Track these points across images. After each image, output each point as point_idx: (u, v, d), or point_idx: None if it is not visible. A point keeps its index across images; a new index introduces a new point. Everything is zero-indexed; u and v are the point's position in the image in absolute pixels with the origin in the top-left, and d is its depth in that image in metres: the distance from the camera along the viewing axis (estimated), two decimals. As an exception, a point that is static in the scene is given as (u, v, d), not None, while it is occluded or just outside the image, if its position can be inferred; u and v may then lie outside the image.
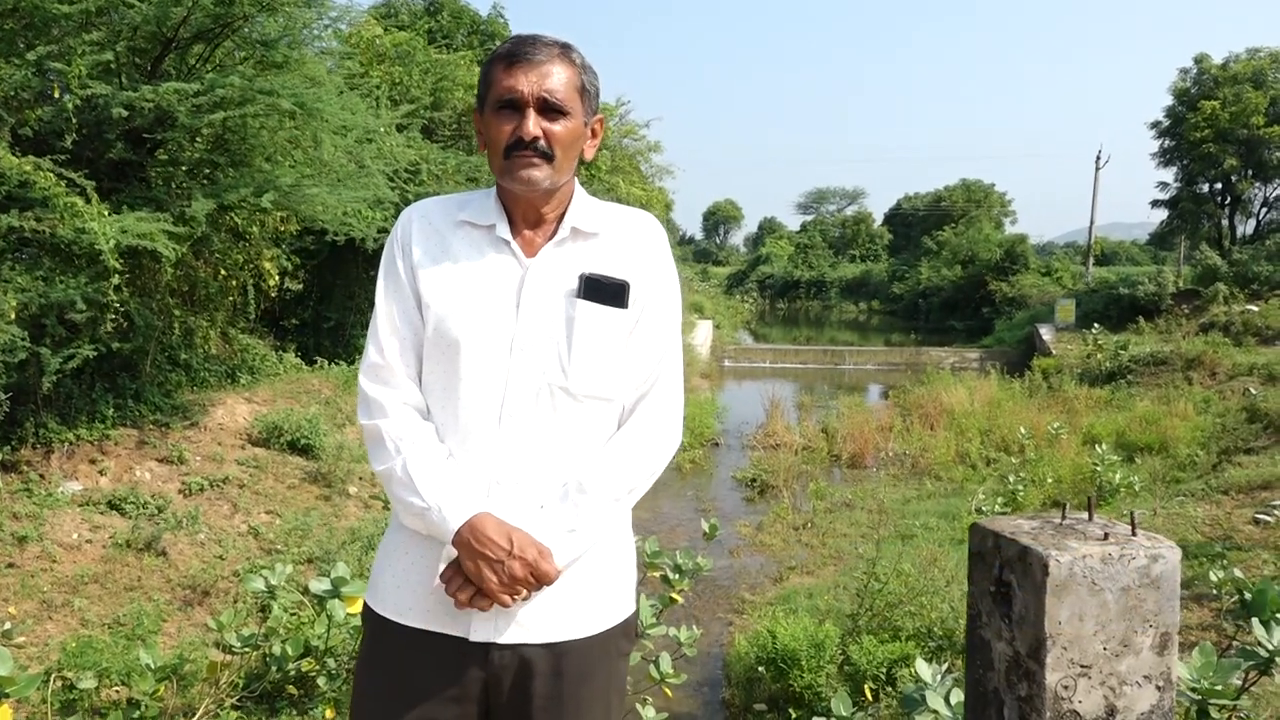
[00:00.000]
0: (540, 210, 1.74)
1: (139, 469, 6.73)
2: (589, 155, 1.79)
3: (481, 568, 1.58)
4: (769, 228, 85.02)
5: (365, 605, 1.78)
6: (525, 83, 1.65)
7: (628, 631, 1.80)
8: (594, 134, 1.80)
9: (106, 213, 5.77)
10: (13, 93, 5.72)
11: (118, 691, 4.07)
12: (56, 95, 5.84)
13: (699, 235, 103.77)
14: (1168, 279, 22.75)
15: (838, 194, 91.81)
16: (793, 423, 13.97)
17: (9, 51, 5.85)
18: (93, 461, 6.57)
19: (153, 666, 3.77)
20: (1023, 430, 11.62)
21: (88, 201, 5.64)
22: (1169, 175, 31.30)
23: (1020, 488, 8.53)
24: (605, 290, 1.71)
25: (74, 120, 5.80)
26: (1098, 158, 34.81)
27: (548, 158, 1.66)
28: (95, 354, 6.05)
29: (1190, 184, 30.54)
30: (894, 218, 67.00)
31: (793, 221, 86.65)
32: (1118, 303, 23.18)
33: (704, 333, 25.07)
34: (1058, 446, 11.07)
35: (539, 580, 1.60)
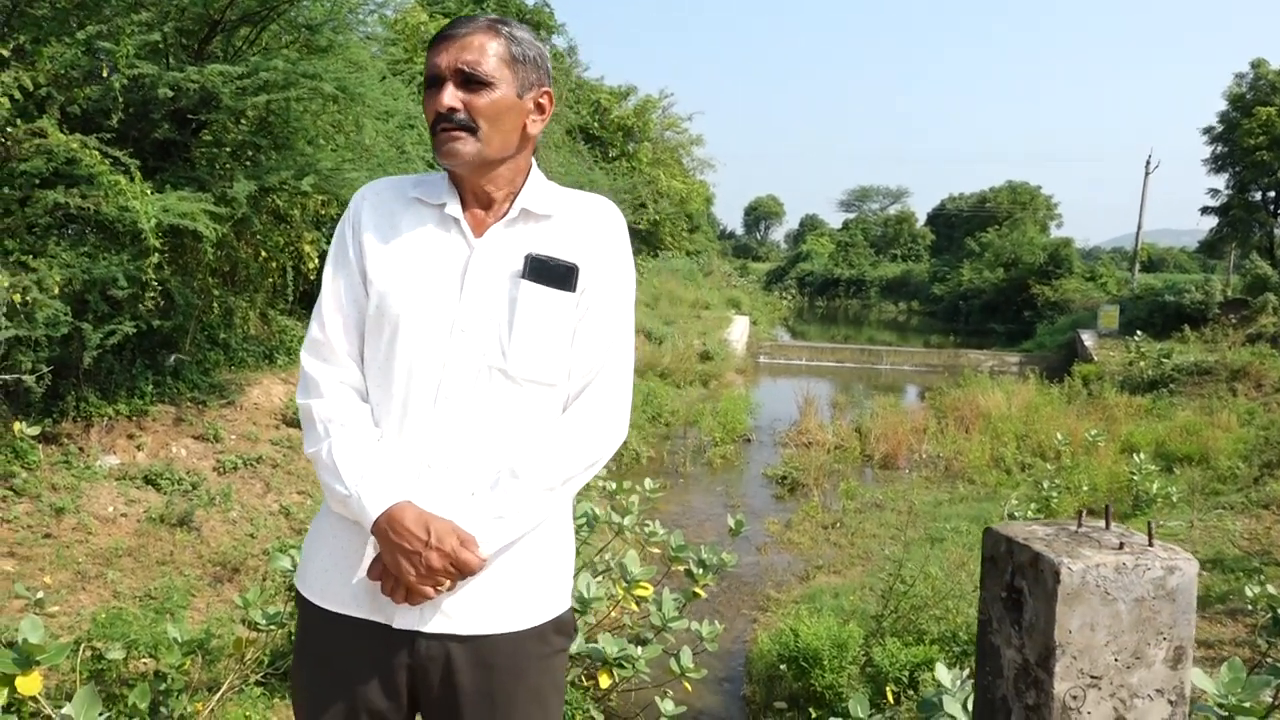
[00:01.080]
0: (488, 190, 1.71)
1: (175, 445, 6.84)
2: (533, 130, 1.74)
3: (399, 559, 1.55)
4: (810, 224, 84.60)
5: (296, 589, 1.76)
6: (446, 57, 1.63)
7: (562, 628, 1.74)
8: (540, 108, 1.74)
9: (150, 191, 5.86)
10: (63, 71, 5.81)
11: (145, 663, 4.14)
12: (105, 75, 5.93)
13: (739, 230, 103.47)
14: (1215, 287, 22.35)
15: (881, 192, 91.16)
16: (826, 421, 13.91)
17: (60, 31, 5.95)
18: (130, 436, 6.69)
19: (180, 640, 3.83)
20: (1059, 436, 11.49)
21: (131, 180, 5.73)
22: (1220, 182, 30.70)
23: (1055, 495, 8.43)
24: (551, 272, 1.66)
25: (121, 100, 5.88)
26: (1148, 162, 34.26)
27: (471, 130, 1.63)
28: (136, 331, 6.14)
29: (1242, 191, 29.93)
30: (937, 218, 66.43)
31: (834, 219, 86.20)
32: (1163, 310, 22.81)
33: (740, 328, 24.99)
34: (1095, 454, 10.93)
35: (460, 570, 1.56)
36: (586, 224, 1.74)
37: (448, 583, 1.58)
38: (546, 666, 1.71)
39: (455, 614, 1.62)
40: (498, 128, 1.66)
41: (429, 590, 1.57)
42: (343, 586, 1.66)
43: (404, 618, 1.62)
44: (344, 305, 1.72)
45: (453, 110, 1.62)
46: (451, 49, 1.63)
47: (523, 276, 1.66)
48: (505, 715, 1.66)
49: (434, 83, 1.65)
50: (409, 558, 1.55)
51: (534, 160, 1.78)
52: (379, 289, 1.68)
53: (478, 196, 1.72)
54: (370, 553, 1.63)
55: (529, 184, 1.74)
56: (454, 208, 1.70)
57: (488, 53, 1.64)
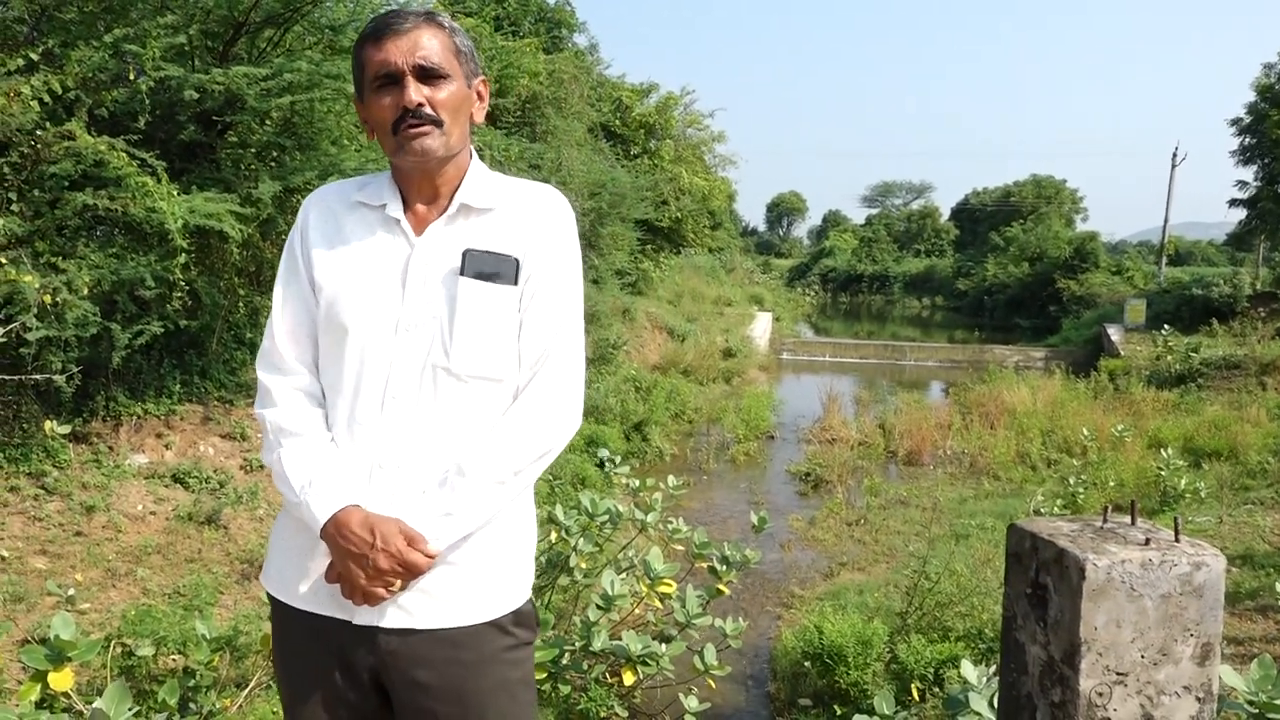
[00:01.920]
0: (435, 185, 1.70)
1: (203, 444, 6.90)
2: (479, 118, 1.76)
3: (347, 562, 1.57)
4: (833, 220, 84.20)
5: (262, 583, 1.79)
6: (398, 53, 1.61)
7: (522, 620, 1.74)
8: (480, 96, 1.76)
9: (176, 193, 5.91)
10: (90, 74, 5.87)
11: (174, 660, 4.18)
12: (132, 77, 5.99)
13: (762, 227, 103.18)
14: (1244, 281, 22.12)
15: (904, 187, 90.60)
16: (850, 418, 13.85)
17: (88, 34, 6.01)
18: (159, 435, 6.76)
19: (209, 637, 3.87)
20: (1086, 432, 11.39)
21: (158, 181, 5.78)
22: (1249, 174, 30.25)
23: (1081, 490, 8.37)
24: (490, 266, 1.66)
25: (147, 102, 5.95)
26: (1174, 155, 33.93)
27: (437, 124, 1.63)
28: (164, 331, 6.20)
29: (1271, 183, 29.53)
30: (961, 213, 65.95)
31: (857, 214, 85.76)
32: (1190, 304, 22.58)
33: (763, 325, 24.95)
34: (1122, 450, 10.83)
35: (408, 570, 1.57)
36: (528, 215, 1.73)
37: (398, 583, 1.59)
38: (512, 659, 1.72)
39: (413, 609, 1.63)
40: (457, 120, 1.67)
41: (380, 591, 1.58)
42: (303, 584, 1.68)
43: (363, 614, 1.63)
44: (295, 313, 1.73)
45: (420, 105, 1.62)
46: (402, 44, 1.62)
47: (460, 273, 1.65)
48: (475, 707, 1.67)
49: (390, 80, 1.63)
50: (357, 561, 1.56)
51: (472, 150, 1.77)
52: (327, 295, 1.68)
53: (422, 192, 1.71)
54: (327, 555, 1.64)
55: (469, 177, 1.73)
56: (395, 208, 1.71)
57: (438, 46, 1.65)
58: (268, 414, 1.70)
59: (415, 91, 1.61)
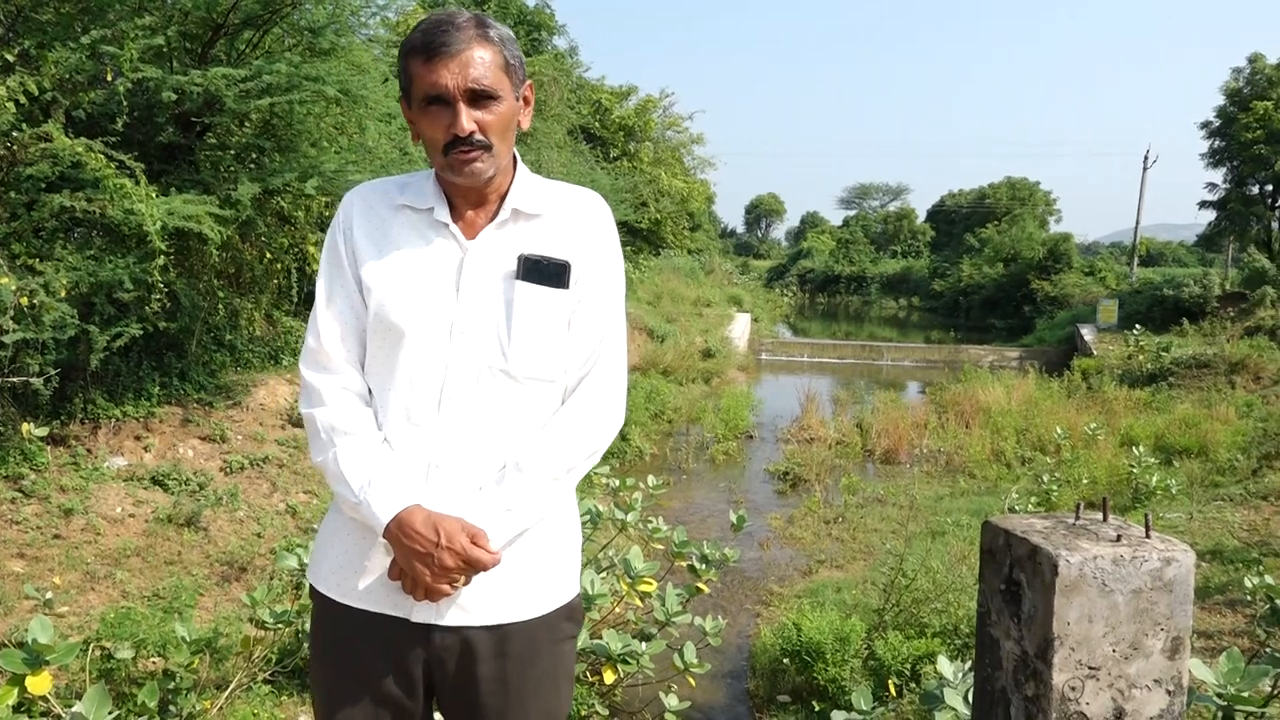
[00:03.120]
0: (483, 190, 1.71)
1: (182, 446, 6.85)
2: (525, 125, 1.76)
3: (413, 562, 1.57)
4: (811, 222, 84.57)
5: (310, 585, 1.78)
6: (449, 76, 1.59)
7: (572, 614, 1.78)
8: (526, 102, 1.75)
9: (155, 194, 5.86)
10: (67, 76, 5.81)
11: (154, 662, 4.14)
12: (109, 79, 5.94)
13: (740, 228, 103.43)
14: (1214, 281, 22.33)
15: (881, 189, 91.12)
16: (827, 417, 13.90)
17: (65, 35, 5.95)
18: (138, 438, 6.70)
19: (188, 639, 3.84)
20: (1059, 430, 11.47)
21: (137, 183, 5.73)
22: (1218, 176, 30.68)
23: (1055, 488, 8.43)
24: (545, 271, 1.67)
25: (125, 103, 5.89)
26: (1146, 157, 34.23)
27: (487, 148, 1.63)
28: (142, 333, 6.15)
29: (1240, 185, 29.90)
30: (937, 214, 66.43)
31: (835, 216, 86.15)
32: (1162, 304, 22.79)
33: (742, 325, 24.98)
34: (1095, 447, 10.92)
35: (472, 566, 1.58)
36: (576, 220, 1.75)
37: (462, 579, 1.60)
38: (558, 652, 1.75)
39: (471, 606, 1.65)
40: (506, 138, 1.68)
41: (445, 588, 1.59)
42: (358, 582, 1.68)
43: (421, 611, 1.64)
44: (341, 313, 1.72)
45: (472, 134, 1.61)
46: (453, 66, 1.59)
47: (517, 277, 1.67)
48: (519, 700, 1.69)
49: (438, 101, 1.61)
50: (422, 559, 1.57)
51: (516, 152, 1.77)
52: (378, 298, 1.68)
53: (470, 199, 1.72)
54: (386, 552, 1.65)
55: (516, 182, 1.74)
56: (442, 212, 1.71)
57: (490, 63, 1.63)
58: (317, 413, 1.69)
59: (467, 119, 1.60)
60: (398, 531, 1.58)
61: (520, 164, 1.77)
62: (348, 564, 1.70)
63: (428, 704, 1.74)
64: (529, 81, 1.76)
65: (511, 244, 1.70)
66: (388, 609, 1.66)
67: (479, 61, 1.61)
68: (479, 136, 1.62)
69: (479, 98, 1.61)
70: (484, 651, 1.66)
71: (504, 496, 1.62)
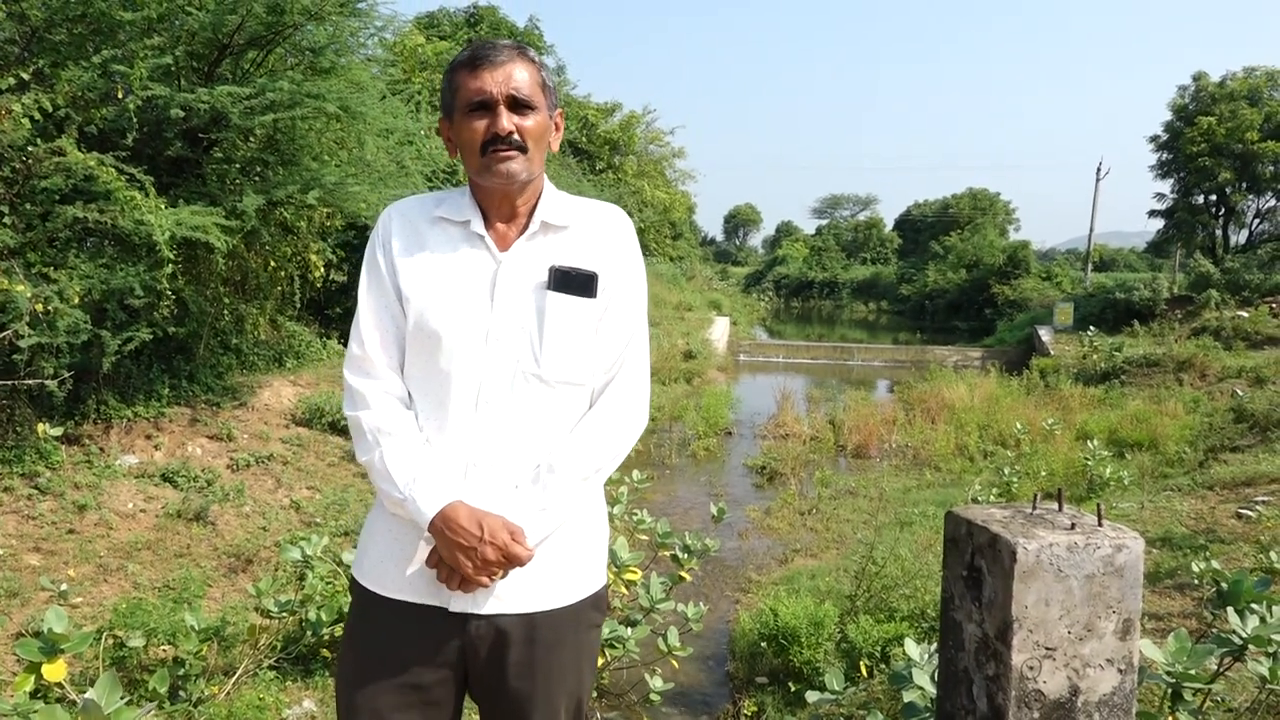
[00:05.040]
0: (514, 204, 1.73)
1: (191, 445, 6.80)
2: (554, 147, 1.79)
3: (456, 555, 1.59)
4: (786, 231, 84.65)
5: (352, 578, 1.79)
6: (493, 83, 1.65)
7: (598, 603, 1.80)
8: (557, 127, 1.80)
9: (164, 206, 5.83)
10: (80, 93, 5.78)
11: (164, 650, 4.12)
12: (120, 96, 5.90)
13: (720, 237, 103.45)
14: (1162, 285, 22.47)
15: (851, 200, 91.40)
16: (802, 414, 13.91)
17: (77, 55, 5.91)
18: (148, 437, 6.66)
19: (197, 628, 3.82)
20: (1019, 426, 11.53)
21: (146, 195, 5.70)
22: (1166, 187, 31.03)
23: (1015, 480, 8.46)
24: (574, 281, 1.70)
25: (135, 120, 5.86)
26: (1098, 169, 34.43)
27: (523, 150, 1.66)
28: (152, 337, 6.12)
29: (1186, 195, 30.19)
30: (904, 223, 66.66)
31: (808, 225, 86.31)
32: (1114, 307, 22.91)
33: (721, 328, 24.99)
34: (1052, 442, 10.97)
35: (511, 561, 1.60)
36: (602, 233, 1.78)
37: (500, 572, 1.62)
38: (584, 639, 1.77)
39: (506, 596, 1.67)
40: (540, 147, 1.71)
41: (484, 580, 1.61)
42: (400, 575, 1.69)
43: (459, 601, 1.66)
44: (381, 322, 1.74)
45: (510, 133, 1.65)
46: (497, 75, 1.65)
47: (548, 287, 1.69)
48: (545, 683, 1.71)
49: (482, 106, 1.66)
50: (466, 553, 1.59)
51: (544, 174, 1.81)
52: (416, 306, 1.69)
53: (501, 212, 1.74)
54: (425, 544, 1.67)
55: (544, 197, 1.77)
56: (478, 224, 1.73)
57: (529, 79, 1.68)
58: (362, 416, 1.71)
59: (507, 120, 1.65)
60: (442, 526, 1.60)
61: (547, 182, 1.80)
62: (389, 558, 1.71)
63: (459, 693, 1.74)
64: (560, 109, 1.81)
65: (542, 255, 1.72)
66: (427, 599, 1.67)
67: (519, 73, 1.67)
68: (516, 138, 1.66)
69: (518, 105, 1.67)
70: (515, 638, 1.67)
71: (539, 496, 1.65)
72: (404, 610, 1.69)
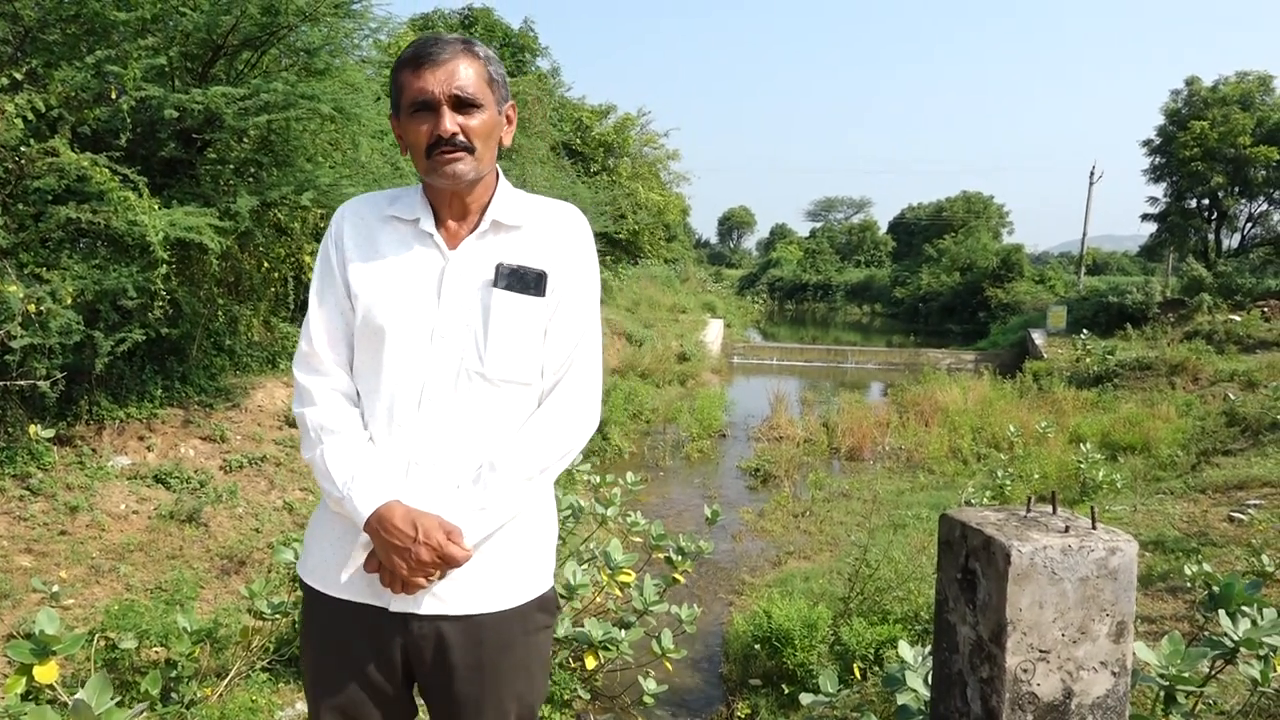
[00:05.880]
0: (465, 202, 1.72)
1: (184, 446, 6.78)
2: (506, 142, 1.77)
3: (391, 555, 1.58)
4: (780, 233, 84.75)
5: (299, 576, 1.78)
6: (435, 83, 1.62)
7: (545, 605, 1.77)
8: (509, 120, 1.77)
9: (157, 207, 5.81)
10: (73, 93, 5.76)
11: (157, 652, 4.10)
12: (114, 96, 5.88)
13: (714, 239, 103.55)
14: (1155, 289, 22.53)
15: (845, 203, 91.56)
16: (796, 417, 13.92)
17: (71, 55, 5.89)
18: (141, 438, 6.63)
19: (190, 630, 3.81)
20: (1012, 428, 11.55)
21: (140, 196, 5.68)
22: (1159, 191, 31.10)
23: (1008, 483, 8.48)
24: (522, 279, 1.68)
25: (129, 120, 5.84)
26: (1092, 173, 34.52)
27: (469, 150, 1.64)
28: (145, 338, 6.09)
29: (1179, 199, 30.28)
30: (897, 226, 66.76)
31: (802, 228, 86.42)
32: (1107, 310, 22.96)
33: (715, 331, 24.99)
34: (1045, 445, 10.99)
35: (447, 562, 1.58)
36: (554, 232, 1.75)
37: (437, 573, 1.60)
38: (532, 642, 1.74)
39: (446, 596, 1.65)
40: (489, 145, 1.69)
41: (420, 581, 1.59)
42: (341, 574, 1.68)
43: (399, 602, 1.64)
44: (330, 318, 1.73)
45: (454, 135, 1.62)
46: (440, 74, 1.62)
47: (494, 285, 1.67)
48: (494, 686, 1.69)
49: (426, 107, 1.64)
50: (400, 553, 1.57)
51: (499, 168, 1.78)
52: (364, 302, 1.68)
53: (453, 209, 1.72)
54: (367, 547, 1.65)
55: (497, 195, 1.75)
56: (428, 223, 1.71)
57: (474, 77, 1.65)
58: (308, 412, 1.70)
59: (450, 121, 1.62)
60: (377, 526, 1.58)
61: (502, 179, 1.78)
62: (332, 557, 1.70)
63: (408, 689, 1.74)
64: (512, 101, 1.78)
65: (491, 254, 1.70)
66: (368, 599, 1.66)
67: (464, 71, 1.64)
68: (461, 138, 1.63)
69: (462, 104, 1.64)
70: (459, 640, 1.66)
71: (479, 495, 1.62)
72: (347, 610, 1.68)
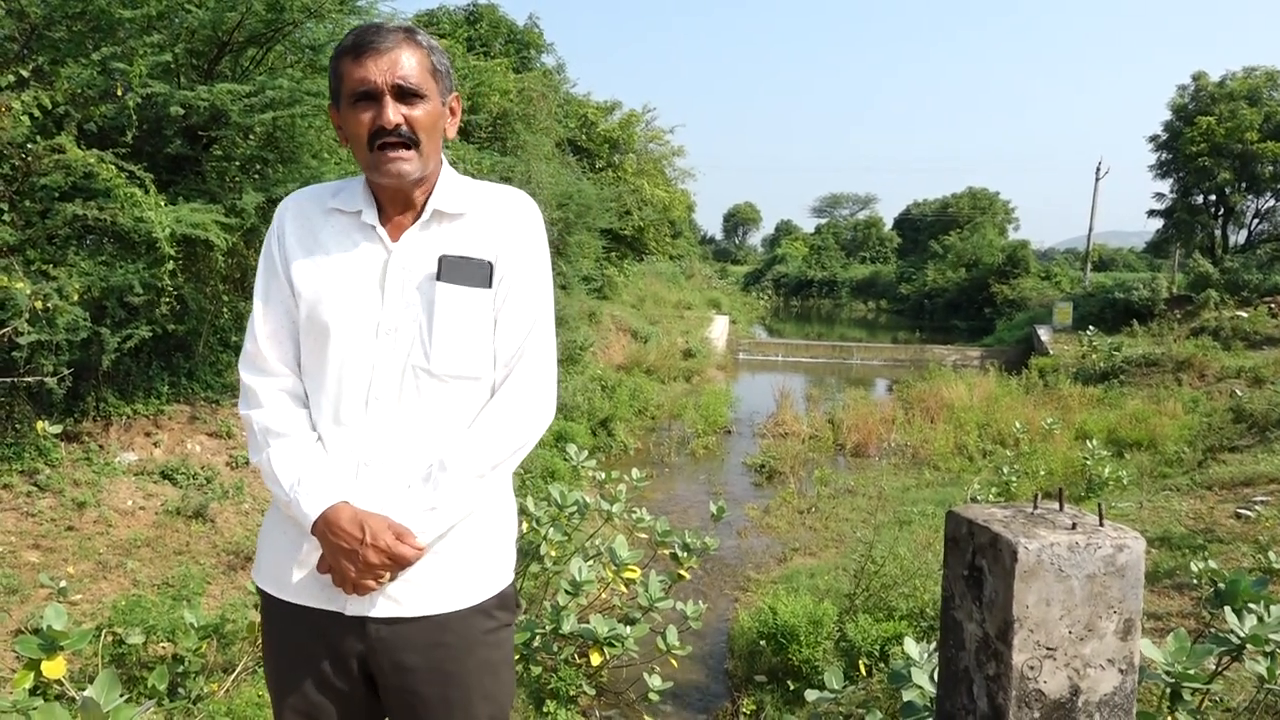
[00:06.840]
0: (410, 195, 1.66)
1: (190, 442, 6.80)
2: (450, 134, 1.71)
3: (339, 558, 1.54)
4: (785, 229, 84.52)
5: (254, 580, 1.75)
6: (377, 71, 1.55)
7: (505, 603, 1.73)
8: (453, 112, 1.71)
9: (163, 203, 5.82)
10: (80, 91, 5.76)
11: (164, 647, 4.11)
12: (120, 94, 5.89)
13: (719, 235, 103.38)
14: (1162, 285, 22.48)
15: (851, 199, 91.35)
16: (801, 413, 13.92)
17: (77, 52, 5.90)
18: (148, 434, 6.64)
19: (196, 625, 3.82)
20: (1018, 425, 11.53)
21: (146, 193, 5.69)
22: (1165, 187, 30.95)
23: (1014, 479, 8.47)
24: (466, 271, 1.62)
25: (135, 117, 5.85)
26: (1098, 169, 34.41)
27: (413, 144, 1.59)
28: (152, 335, 6.10)
29: (1186, 195, 30.16)
30: (903, 222, 66.60)
31: (808, 224, 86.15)
32: (1113, 306, 22.93)
33: (720, 327, 25.00)
34: (1051, 441, 10.98)
35: (396, 563, 1.55)
36: (498, 219, 1.70)
37: (387, 575, 1.57)
38: (494, 640, 1.71)
39: (401, 598, 1.61)
40: (433, 138, 1.63)
41: (370, 583, 1.56)
42: (293, 578, 1.64)
43: (354, 605, 1.61)
44: (275, 316, 1.68)
45: (398, 125, 1.57)
46: (382, 63, 1.56)
47: (438, 278, 1.62)
48: (459, 687, 1.66)
49: (367, 96, 1.57)
50: (347, 556, 1.54)
51: (443, 158, 1.73)
52: (307, 299, 1.64)
53: (397, 201, 1.67)
54: (318, 549, 1.61)
55: (440, 184, 1.69)
56: (370, 215, 1.66)
57: (417, 66, 1.59)
58: (254, 415, 1.65)
59: (394, 112, 1.56)
60: (325, 529, 1.55)
61: (446, 166, 1.72)
62: (285, 561, 1.66)
63: (370, 692, 1.69)
64: (455, 93, 1.72)
65: (435, 245, 1.65)
66: (322, 603, 1.62)
67: (406, 60, 1.58)
68: (405, 129, 1.57)
69: (405, 94, 1.58)
70: (417, 642, 1.62)
71: (429, 495, 1.58)
72: (302, 614, 1.64)
